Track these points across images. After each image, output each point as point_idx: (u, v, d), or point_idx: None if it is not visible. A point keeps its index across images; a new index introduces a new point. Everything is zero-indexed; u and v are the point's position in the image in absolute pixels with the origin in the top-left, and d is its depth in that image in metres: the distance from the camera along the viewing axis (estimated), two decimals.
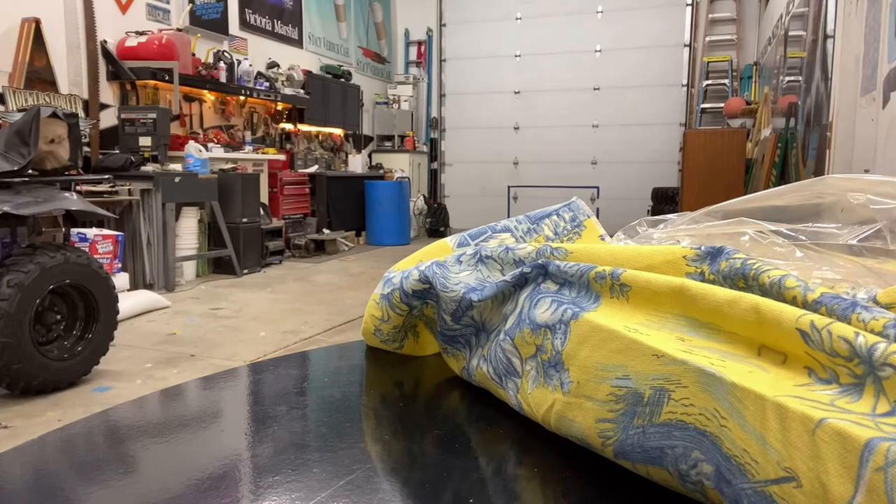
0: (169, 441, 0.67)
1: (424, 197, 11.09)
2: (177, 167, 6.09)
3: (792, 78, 6.20)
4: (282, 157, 8.22)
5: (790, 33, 6.29)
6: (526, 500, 0.56)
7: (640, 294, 0.59)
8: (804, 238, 0.76)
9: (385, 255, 8.38)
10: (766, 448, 0.42)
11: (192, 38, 6.99)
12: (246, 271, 6.67)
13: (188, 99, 7.20)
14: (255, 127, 8.38)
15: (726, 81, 9.82)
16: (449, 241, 0.92)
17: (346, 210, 9.33)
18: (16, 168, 3.16)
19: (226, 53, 7.44)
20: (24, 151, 3.20)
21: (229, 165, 7.00)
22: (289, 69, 8.70)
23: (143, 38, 6.26)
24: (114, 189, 5.42)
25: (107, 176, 4.89)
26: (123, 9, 6.39)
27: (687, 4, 10.31)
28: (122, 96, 6.36)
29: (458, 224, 11.02)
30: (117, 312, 3.52)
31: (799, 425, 0.41)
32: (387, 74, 11.82)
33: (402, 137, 11.02)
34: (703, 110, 9.98)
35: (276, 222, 7.63)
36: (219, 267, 6.65)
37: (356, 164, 10.09)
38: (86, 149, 5.51)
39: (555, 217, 0.94)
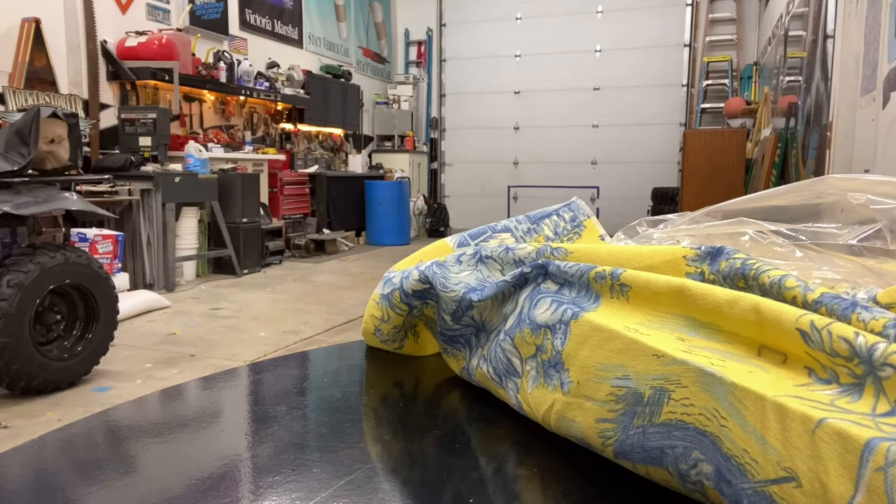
0: (169, 441, 0.67)
1: (424, 197, 11.09)
2: (177, 167, 6.09)
3: (792, 78, 6.19)
4: (282, 157, 8.22)
5: (790, 33, 6.29)
6: (526, 500, 0.56)
7: (640, 294, 0.59)
8: (804, 238, 0.76)
9: (385, 255, 8.38)
10: (766, 448, 0.42)
11: (192, 38, 6.99)
12: (246, 271, 6.67)
13: (188, 99, 7.20)
14: (255, 127, 8.37)
15: (726, 81, 9.82)
16: (449, 241, 0.92)
17: (346, 210, 9.33)
18: (16, 168, 3.16)
19: (226, 53, 7.44)
20: (24, 151, 3.20)
21: (229, 165, 7.00)
22: (289, 69, 8.70)
23: (143, 38, 6.26)
24: (114, 189, 5.42)
25: (107, 176, 4.89)
26: (123, 9, 6.39)
27: (687, 4, 10.31)
28: (122, 96, 6.36)
29: (458, 224, 11.01)
30: (117, 312, 3.52)
31: (799, 425, 0.41)
32: (387, 74, 11.82)
33: (402, 137, 11.02)
34: (703, 110, 9.98)
35: (276, 222, 7.63)
36: (219, 267, 6.65)
37: (356, 164, 10.09)
38: (86, 149, 5.50)
39: (555, 217, 0.94)
